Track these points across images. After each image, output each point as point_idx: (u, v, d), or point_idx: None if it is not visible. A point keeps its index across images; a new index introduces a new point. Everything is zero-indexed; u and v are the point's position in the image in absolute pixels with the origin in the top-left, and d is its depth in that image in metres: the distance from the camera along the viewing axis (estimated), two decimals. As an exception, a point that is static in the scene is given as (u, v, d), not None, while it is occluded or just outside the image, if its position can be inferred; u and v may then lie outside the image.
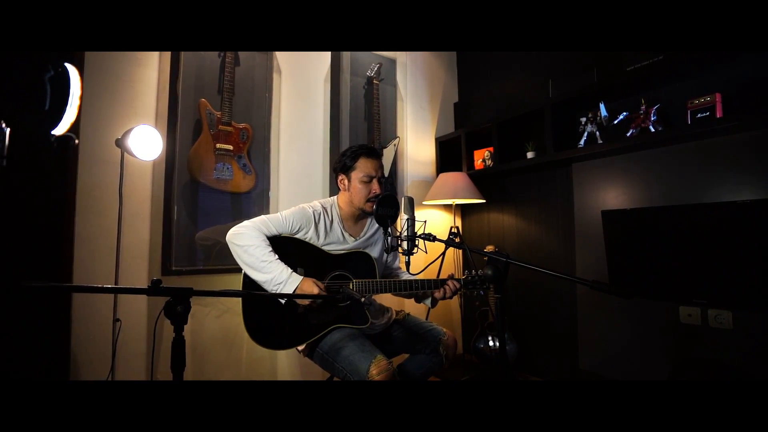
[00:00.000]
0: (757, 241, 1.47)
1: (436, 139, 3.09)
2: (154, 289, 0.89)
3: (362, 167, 1.68)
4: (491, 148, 2.69)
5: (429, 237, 1.31)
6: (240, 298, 1.59)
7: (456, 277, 1.67)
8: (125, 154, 1.73)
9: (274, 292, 1.48)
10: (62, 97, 0.55)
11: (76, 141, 0.80)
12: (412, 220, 1.34)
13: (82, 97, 0.61)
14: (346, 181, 1.73)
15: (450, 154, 3.02)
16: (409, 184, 2.91)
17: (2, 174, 0.52)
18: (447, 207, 3.07)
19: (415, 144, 3.00)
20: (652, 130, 1.88)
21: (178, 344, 0.92)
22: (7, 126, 0.50)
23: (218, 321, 2.08)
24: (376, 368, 1.41)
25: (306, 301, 1.53)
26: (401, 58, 2.96)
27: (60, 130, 0.57)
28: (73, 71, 0.58)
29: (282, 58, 2.39)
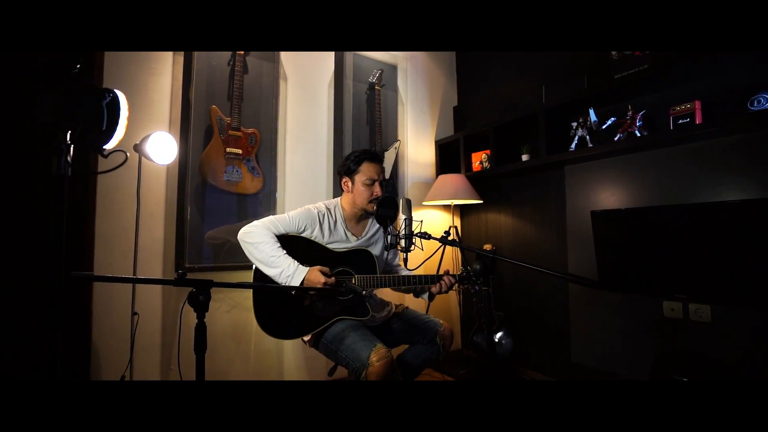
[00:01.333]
0: (733, 239, 1.58)
1: (436, 142, 3.20)
2: (180, 281, 1.01)
3: (365, 171, 1.79)
4: (488, 151, 2.80)
5: (425, 235, 1.44)
6: (250, 294, 1.70)
7: (452, 273, 1.78)
8: (142, 158, 1.86)
9: (283, 283, 1.60)
10: (114, 119, 0.66)
11: (128, 155, 0.91)
12: (409, 220, 1.46)
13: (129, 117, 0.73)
14: (349, 184, 1.84)
15: (449, 157, 3.12)
16: (409, 186, 3.02)
17: (66, 181, 0.64)
18: (446, 207, 3.18)
19: (416, 147, 3.11)
20: (638, 134, 1.98)
21: (201, 329, 1.05)
22: (71, 142, 0.61)
23: (228, 315, 2.20)
24: (376, 355, 1.52)
25: (318, 283, 1.61)
26: (402, 64, 3.07)
27: (110, 145, 0.69)
28: (122, 96, 0.70)
29: (288, 65, 2.51)
